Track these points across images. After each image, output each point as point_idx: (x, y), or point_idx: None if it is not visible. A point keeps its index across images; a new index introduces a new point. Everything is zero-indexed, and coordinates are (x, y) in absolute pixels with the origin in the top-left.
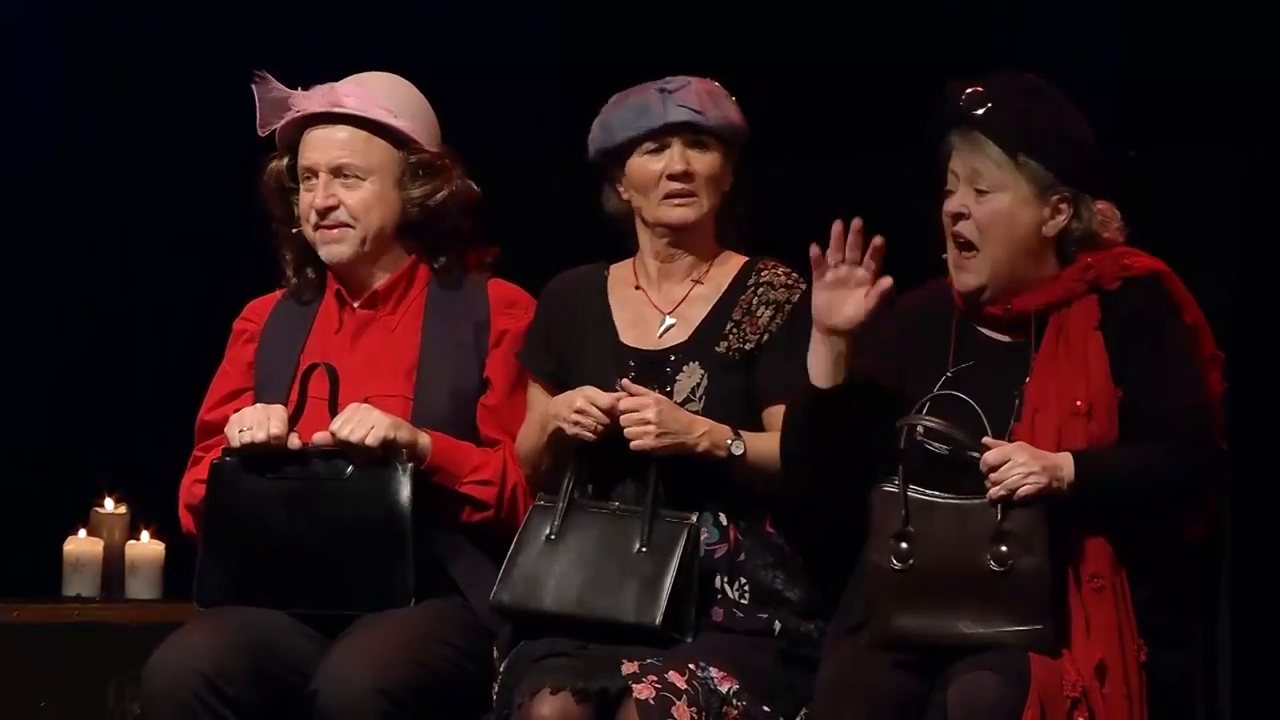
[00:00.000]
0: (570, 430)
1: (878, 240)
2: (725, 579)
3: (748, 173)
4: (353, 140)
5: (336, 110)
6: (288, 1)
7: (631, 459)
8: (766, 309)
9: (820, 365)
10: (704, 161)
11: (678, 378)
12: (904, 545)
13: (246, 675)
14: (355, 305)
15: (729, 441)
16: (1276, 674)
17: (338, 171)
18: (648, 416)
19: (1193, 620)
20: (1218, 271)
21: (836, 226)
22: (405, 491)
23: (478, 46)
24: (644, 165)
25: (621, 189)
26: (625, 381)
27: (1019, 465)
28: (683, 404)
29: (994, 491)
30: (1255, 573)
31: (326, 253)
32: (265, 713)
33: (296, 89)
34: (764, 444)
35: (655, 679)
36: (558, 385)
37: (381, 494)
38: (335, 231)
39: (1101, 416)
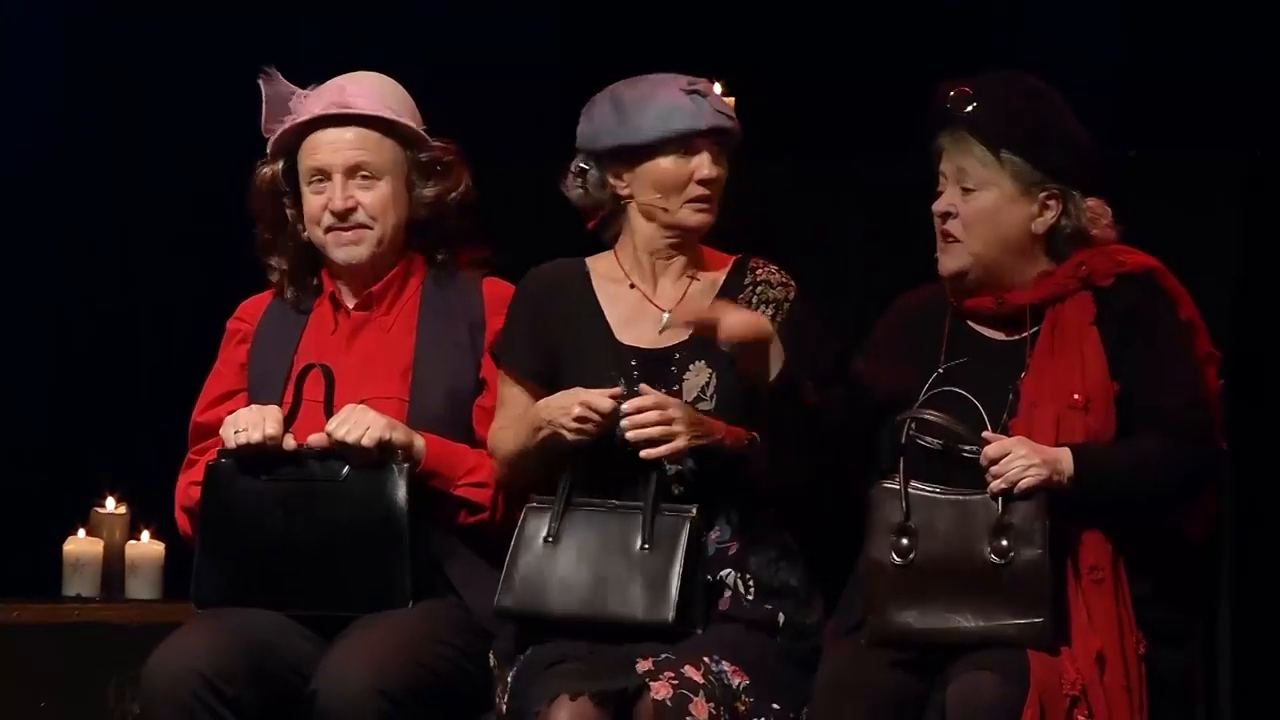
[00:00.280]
0: (572, 437)
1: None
2: (733, 574)
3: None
4: (365, 140)
5: (348, 112)
6: (288, 1)
7: (627, 456)
8: (767, 308)
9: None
10: (722, 166)
11: (685, 376)
12: (904, 541)
13: (245, 675)
14: (351, 307)
15: (746, 440)
16: (1276, 674)
17: (353, 172)
18: (677, 415)
19: (1193, 619)
20: (1218, 271)
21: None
22: (401, 492)
23: (477, 46)
24: (670, 167)
25: (621, 183)
26: (645, 386)
27: (1019, 458)
28: (693, 403)
29: (995, 485)
30: (1255, 573)
31: (344, 255)
32: (264, 713)
33: (294, 91)
34: None
35: (671, 675)
36: (541, 384)
37: (378, 495)
38: (353, 233)
39: (1099, 410)
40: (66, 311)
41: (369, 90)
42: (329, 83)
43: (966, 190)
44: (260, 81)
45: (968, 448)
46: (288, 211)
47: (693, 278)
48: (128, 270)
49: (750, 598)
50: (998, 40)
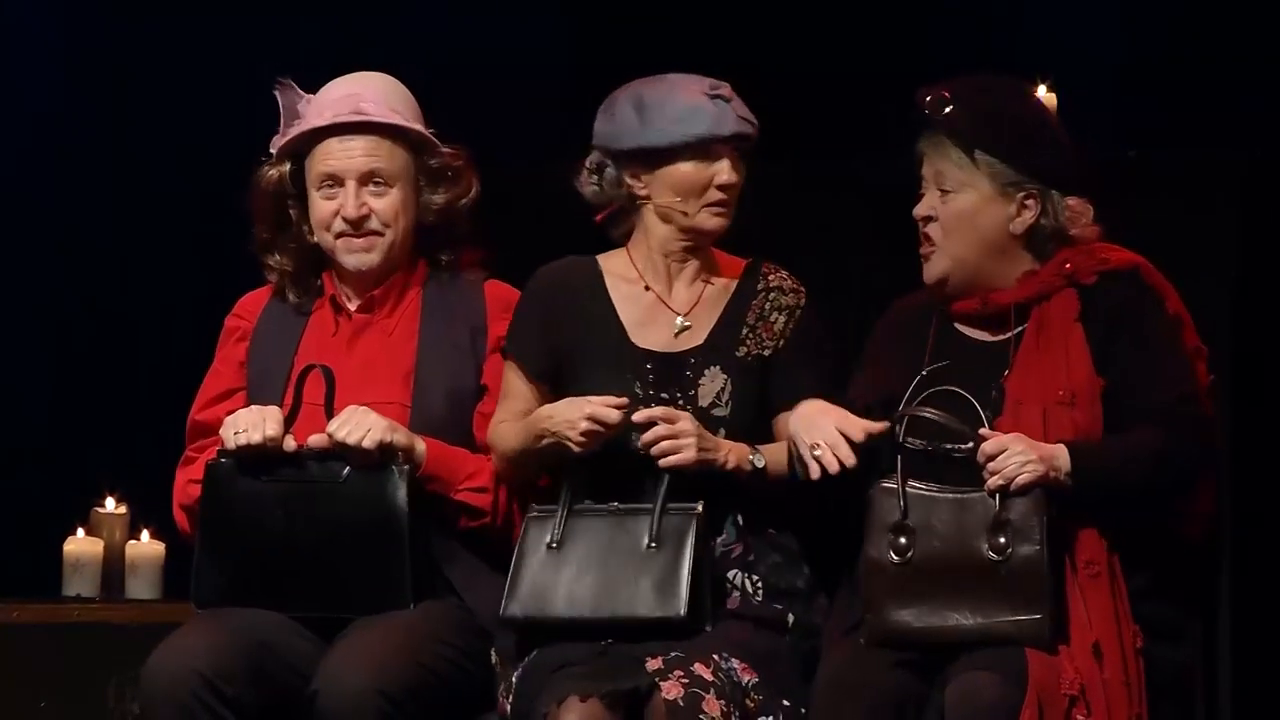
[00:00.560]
0: (576, 449)
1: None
2: (740, 575)
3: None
4: (379, 147)
5: (361, 119)
6: (288, 1)
7: (630, 462)
8: (780, 315)
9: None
10: (740, 172)
11: (700, 381)
12: (902, 540)
13: (245, 675)
14: (353, 309)
15: (750, 457)
16: (1277, 674)
17: (367, 179)
18: (688, 428)
19: (1190, 616)
20: (1218, 271)
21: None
22: (402, 493)
23: (477, 46)
24: (690, 171)
25: (639, 184)
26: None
27: (1016, 454)
28: (708, 409)
29: (992, 481)
30: (1255, 572)
31: (355, 261)
32: (264, 713)
33: (302, 95)
34: (779, 456)
35: (682, 674)
36: (548, 383)
37: (378, 496)
38: (365, 240)
39: (1085, 405)
40: (66, 311)
41: (380, 95)
42: (338, 85)
43: (945, 193)
44: (276, 92)
45: (958, 447)
46: (292, 213)
47: (707, 282)
48: (128, 270)
49: (759, 599)
50: (998, 40)
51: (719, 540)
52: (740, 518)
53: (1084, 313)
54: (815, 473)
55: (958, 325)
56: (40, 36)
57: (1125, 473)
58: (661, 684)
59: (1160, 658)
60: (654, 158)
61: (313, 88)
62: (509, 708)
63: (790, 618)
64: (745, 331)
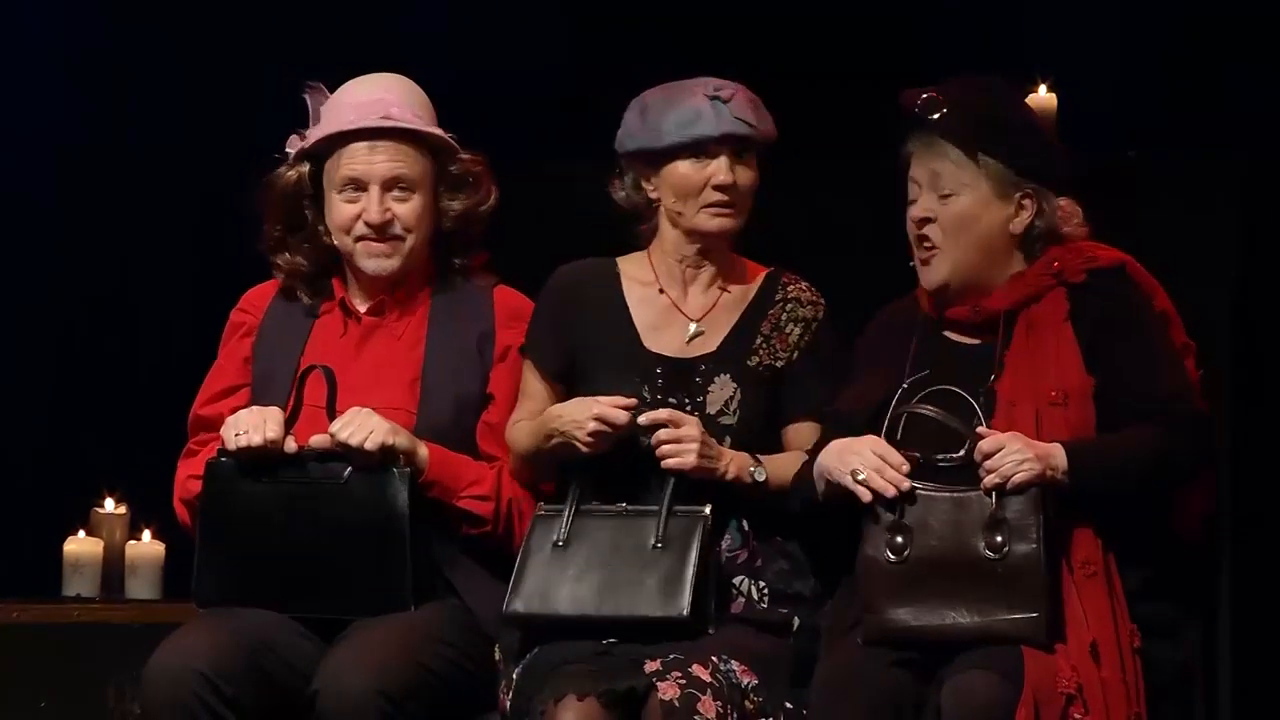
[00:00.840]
0: (586, 449)
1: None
2: (745, 580)
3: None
4: (403, 153)
5: (389, 124)
6: (288, 1)
7: (638, 463)
8: (796, 326)
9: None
10: (745, 174)
11: (709, 389)
12: (899, 539)
13: (246, 675)
14: (362, 312)
15: (751, 469)
16: (1276, 673)
17: (391, 184)
18: (692, 433)
19: (1189, 616)
20: (1218, 271)
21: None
22: (403, 495)
23: (477, 46)
24: (687, 172)
25: (650, 187)
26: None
27: (1013, 453)
28: (716, 416)
29: (988, 480)
30: (1255, 572)
31: (375, 265)
32: (264, 713)
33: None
34: (783, 467)
35: (679, 675)
36: (562, 383)
37: (379, 497)
38: (387, 245)
39: (1077, 405)
40: (66, 311)
41: (405, 99)
42: (361, 87)
43: (944, 195)
44: (306, 96)
45: (949, 456)
46: (307, 214)
47: (723, 288)
48: (128, 270)
49: (764, 605)
50: (998, 40)
51: (724, 545)
52: (747, 524)
53: (1073, 312)
54: (866, 496)
55: (943, 331)
56: (40, 36)
57: (1123, 470)
58: (658, 684)
59: (1159, 657)
60: (656, 160)
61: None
62: (509, 704)
63: (795, 621)
64: (759, 341)
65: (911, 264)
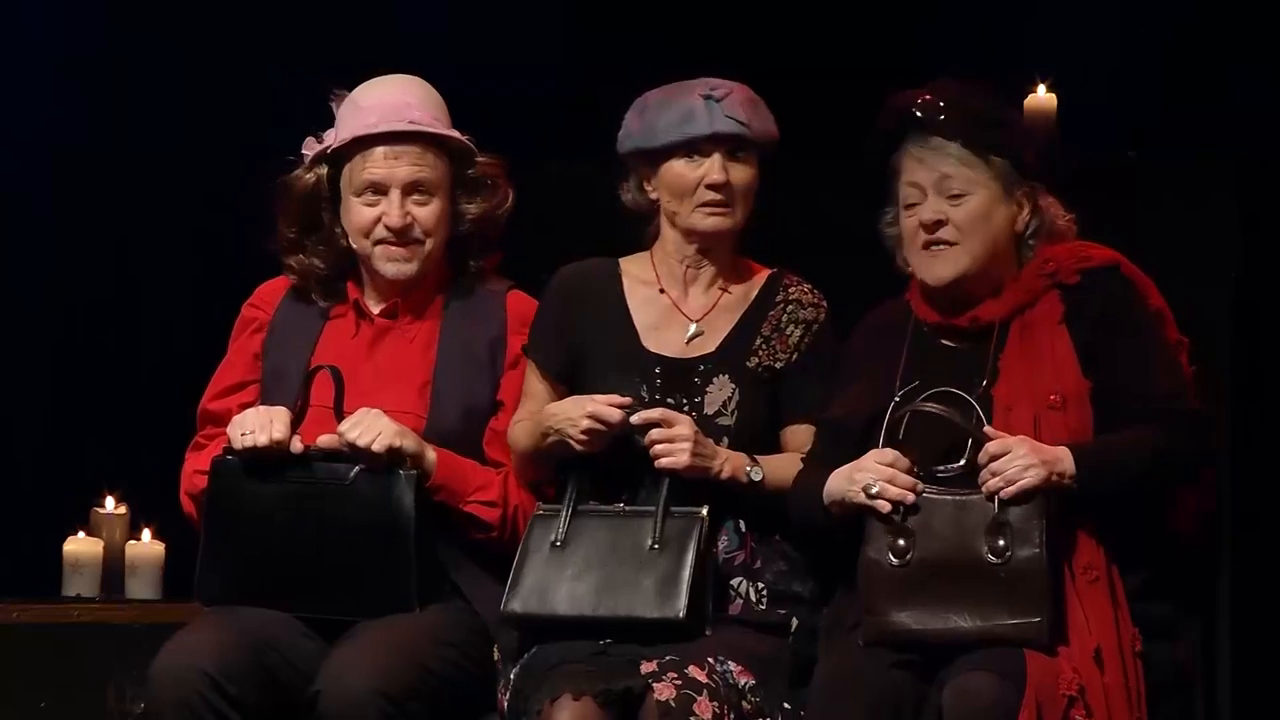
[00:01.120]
0: (580, 447)
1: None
2: (743, 582)
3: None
4: (424, 157)
5: (414, 129)
6: (288, 2)
7: (635, 463)
8: (796, 328)
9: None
10: (740, 173)
11: (708, 389)
12: (901, 541)
13: (250, 675)
14: (376, 313)
15: (748, 469)
16: (1276, 673)
17: (411, 189)
18: (685, 432)
19: (1188, 615)
20: (1217, 271)
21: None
22: (409, 497)
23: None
24: (682, 171)
25: (650, 187)
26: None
27: (1019, 458)
28: (713, 417)
29: (992, 483)
30: (1255, 571)
31: (394, 269)
32: (268, 713)
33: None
34: (780, 468)
35: (675, 676)
36: (563, 383)
37: (385, 499)
38: (406, 249)
39: (1075, 408)
40: (67, 311)
41: (425, 103)
42: (382, 90)
43: (954, 197)
44: (332, 103)
45: (949, 467)
46: (324, 216)
47: (724, 289)
48: (127, 270)
49: (762, 606)
50: (998, 40)
51: (722, 546)
52: (745, 524)
53: (1068, 314)
54: (886, 507)
55: (935, 334)
56: (40, 36)
57: (1126, 472)
58: (655, 685)
59: (1159, 657)
60: (654, 160)
61: (313, 87)
62: (506, 704)
63: (794, 622)
64: (759, 342)
65: (907, 268)
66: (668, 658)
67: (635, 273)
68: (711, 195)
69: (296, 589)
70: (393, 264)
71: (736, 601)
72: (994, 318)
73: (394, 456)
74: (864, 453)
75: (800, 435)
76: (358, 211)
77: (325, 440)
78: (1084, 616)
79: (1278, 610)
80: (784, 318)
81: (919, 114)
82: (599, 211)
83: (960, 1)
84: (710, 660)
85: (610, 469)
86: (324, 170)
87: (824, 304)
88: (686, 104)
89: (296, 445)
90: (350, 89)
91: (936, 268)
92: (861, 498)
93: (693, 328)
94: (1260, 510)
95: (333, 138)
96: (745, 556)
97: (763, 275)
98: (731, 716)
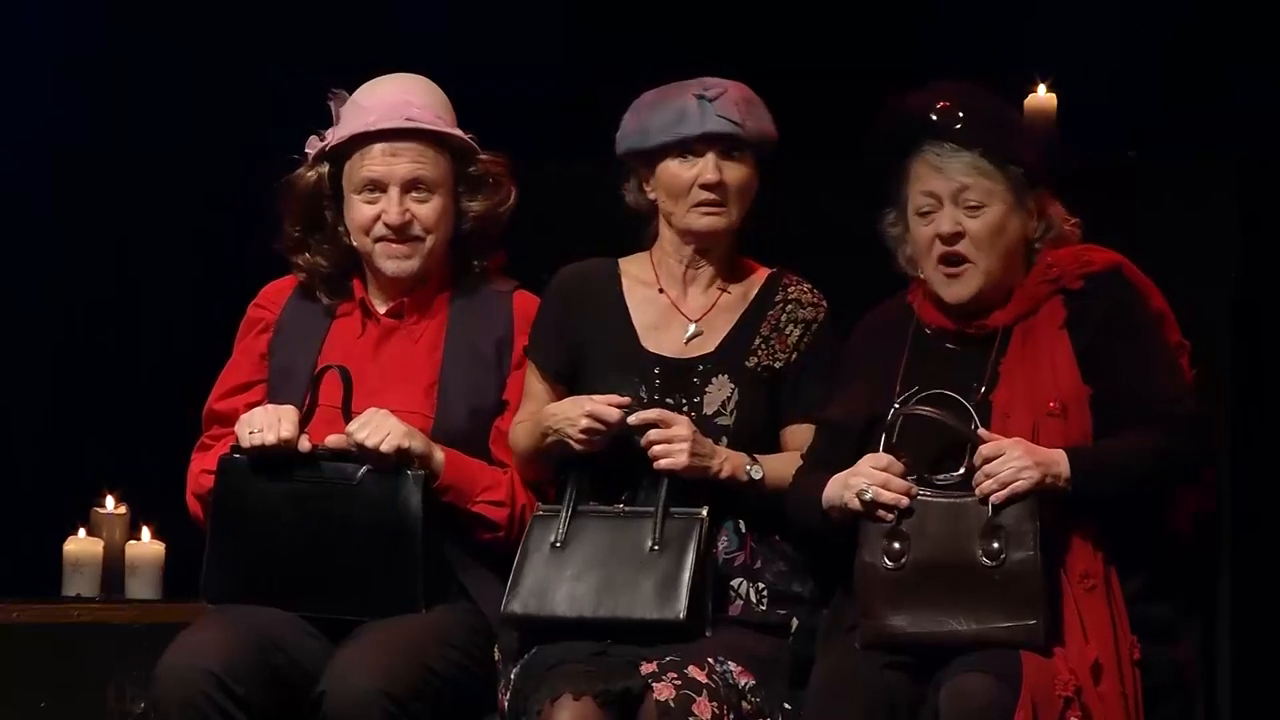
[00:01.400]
0: (579, 447)
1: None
2: (743, 583)
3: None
4: (423, 154)
5: (412, 126)
6: (289, 2)
7: (635, 464)
8: (795, 328)
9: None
10: (735, 172)
11: (707, 389)
12: (896, 545)
13: (256, 675)
14: (382, 313)
15: (747, 467)
16: (1276, 673)
17: (410, 186)
18: (682, 433)
19: (1187, 616)
20: (1218, 271)
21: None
22: (416, 497)
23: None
24: (676, 171)
25: (649, 188)
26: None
27: (1013, 460)
28: (712, 416)
29: (985, 485)
30: (1255, 572)
31: (394, 267)
32: (273, 712)
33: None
34: (779, 467)
35: (675, 676)
36: (564, 383)
37: (392, 499)
38: (406, 246)
39: (1074, 415)
40: (67, 311)
41: (426, 100)
42: (383, 88)
43: (971, 208)
44: (330, 102)
45: (950, 475)
46: (327, 214)
47: (724, 289)
48: (127, 270)
49: (763, 607)
50: (998, 40)
51: (721, 547)
52: (745, 525)
53: (1070, 319)
54: (889, 517)
55: (937, 337)
56: (40, 36)
57: (1126, 476)
58: (654, 685)
59: (1158, 659)
60: (649, 160)
61: (313, 87)
62: (507, 704)
63: (794, 622)
64: (758, 342)
65: (916, 274)
66: (667, 658)
67: (635, 273)
68: (705, 195)
69: (303, 589)
70: (393, 261)
71: (736, 602)
72: (999, 324)
73: (402, 457)
74: (863, 454)
75: (800, 435)
76: (358, 209)
77: (333, 440)
78: (1081, 628)
79: (1278, 610)
80: (783, 317)
81: (936, 119)
82: (599, 211)
83: (960, 1)
84: (710, 661)
85: (610, 469)
86: (325, 169)
87: (824, 304)
88: (679, 104)
89: (304, 444)
90: (350, 89)
91: (955, 289)
92: (855, 503)
93: (692, 328)
94: (1260, 510)
95: (334, 136)
96: (745, 557)
97: (762, 275)
98: (731, 717)
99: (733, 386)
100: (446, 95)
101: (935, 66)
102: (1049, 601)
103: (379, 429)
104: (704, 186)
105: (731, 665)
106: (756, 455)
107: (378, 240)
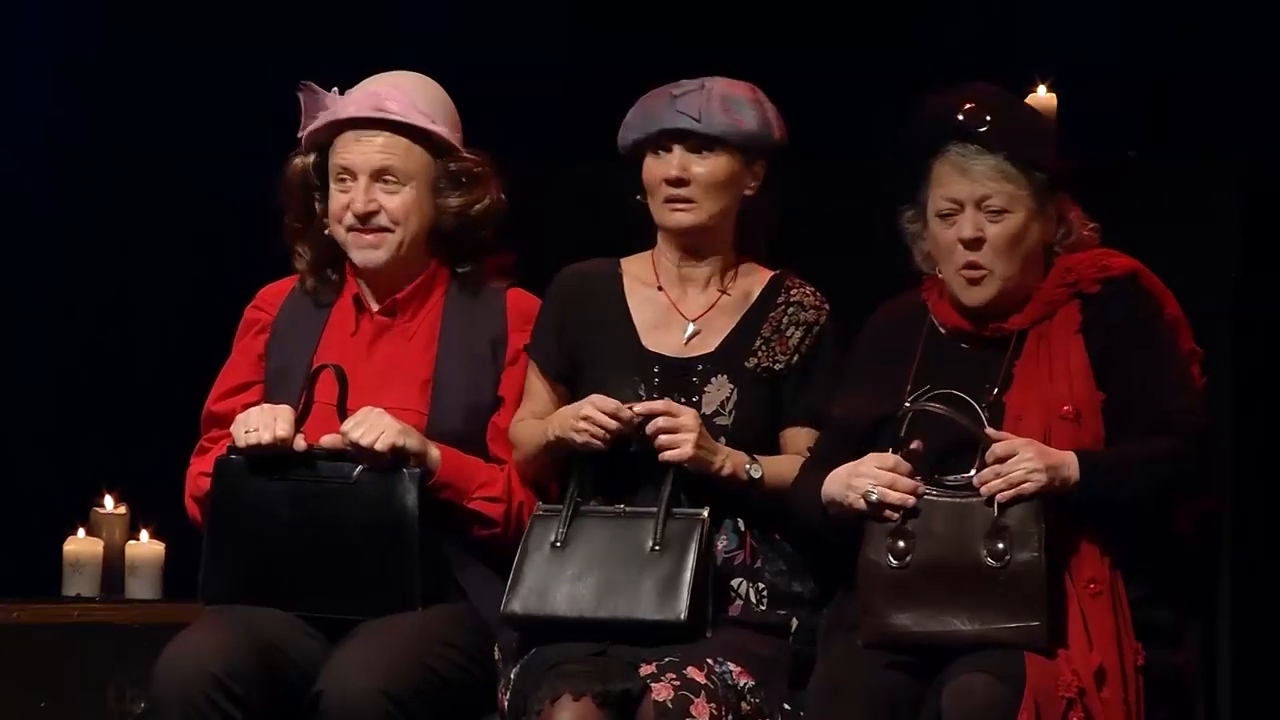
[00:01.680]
0: (580, 441)
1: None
2: (743, 583)
3: (777, 180)
4: (394, 145)
5: (380, 116)
6: (288, 2)
7: (637, 463)
8: (797, 330)
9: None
10: (705, 167)
11: (705, 389)
12: (901, 543)
13: (255, 675)
14: (375, 310)
15: (747, 466)
16: (1276, 674)
17: (378, 175)
18: (689, 423)
19: (1188, 616)
20: (1218, 271)
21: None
22: (412, 496)
23: (478, 44)
24: (649, 167)
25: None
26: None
27: (1024, 461)
28: (711, 417)
29: (993, 484)
30: (1255, 572)
31: (361, 257)
32: (271, 712)
33: (332, 89)
34: (779, 468)
35: (674, 677)
36: (565, 383)
37: (388, 498)
38: (373, 236)
39: (1088, 420)
40: (67, 310)
41: (405, 94)
42: (369, 81)
43: (994, 213)
44: (300, 94)
45: (961, 477)
46: (316, 204)
47: (723, 290)
48: (128, 270)
49: (763, 607)
50: (998, 40)
51: (721, 546)
52: (745, 524)
53: (1085, 324)
54: (894, 515)
55: (952, 341)
56: (40, 36)
57: (1134, 482)
58: (653, 686)
59: (1159, 662)
60: (634, 158)
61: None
62: (506, 704)
63: (794, 622)
64: (759, 343)
65: (934, 272)
66: (667, 659)
67: (636, 272)
68: (670, 191)
69: (300, 588)
70: (360, 251)
71: (736, 602)
72: (1015, 327)
73: (397, 455)
74: (871, 452)
75: (799, 438)
76: (334, 198)
77: (328, 440)
78: (1086, 632)
79: (1278, 612)
80: (784, 319)
81: (963, 120)
82: (599, 211)
83: (960, 1)
84: (709, 661)
85: (611, 469)
86: (311, 158)
87: (826, 306)
88: (654, 103)
89: (300, 444)
90: (342, 88)
91: (973, 294)
92: (860, 503)
93: (690, 327)
94: (1260, 511)
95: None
96: (745, 557)
97: (765, 276)
98: (730, 717)
99: (732, 387)
100: (449, 94)
101: (935, 66)
102: (1053, 604)
103: (373, 427)
104: (668, 181)
105: (731, 666)
106: (756, 455)
107: (349, 230)
